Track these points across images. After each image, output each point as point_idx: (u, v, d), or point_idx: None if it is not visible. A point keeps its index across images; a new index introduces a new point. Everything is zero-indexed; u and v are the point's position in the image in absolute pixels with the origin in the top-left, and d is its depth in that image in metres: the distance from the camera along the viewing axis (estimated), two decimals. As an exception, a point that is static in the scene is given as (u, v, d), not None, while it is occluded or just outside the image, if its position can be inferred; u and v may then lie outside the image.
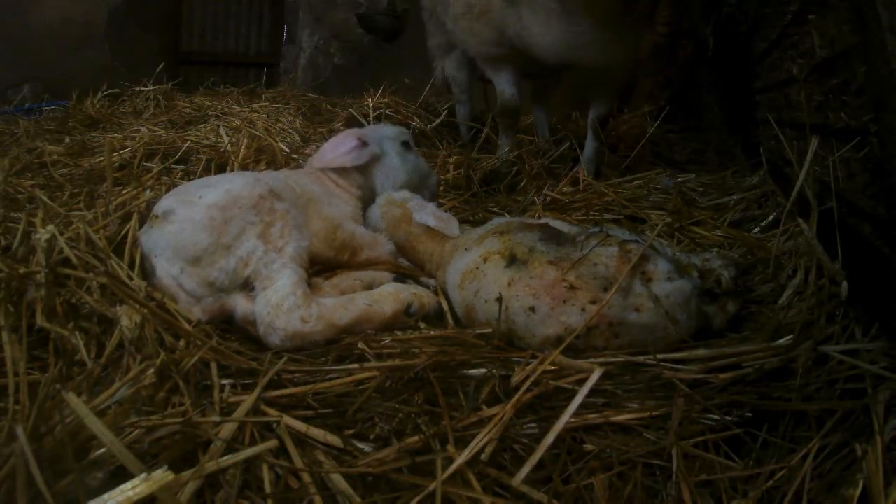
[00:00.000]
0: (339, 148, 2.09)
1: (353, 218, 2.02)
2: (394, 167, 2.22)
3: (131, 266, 1.71)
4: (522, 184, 2.91)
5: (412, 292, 1.77)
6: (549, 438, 1.14)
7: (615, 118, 4.68)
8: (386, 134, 2.26)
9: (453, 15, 3.18)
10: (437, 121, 4.06)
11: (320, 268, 1.92)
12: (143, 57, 5.96)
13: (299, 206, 1.85)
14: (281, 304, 1.57)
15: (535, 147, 3.54)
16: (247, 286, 1.65)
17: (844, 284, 1.61)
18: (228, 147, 2.87)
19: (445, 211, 2.12)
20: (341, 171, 2.12)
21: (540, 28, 2.66)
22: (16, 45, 5.70)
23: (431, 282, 1.97)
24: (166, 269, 1.63)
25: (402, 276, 1.99)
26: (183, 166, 2.69)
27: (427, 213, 2.02)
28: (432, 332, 1.66)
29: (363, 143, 2.12)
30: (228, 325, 1.68)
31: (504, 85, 3.17)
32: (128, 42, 6.17)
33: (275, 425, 1.22)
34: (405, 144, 2.29)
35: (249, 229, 1.64)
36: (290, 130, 3.44)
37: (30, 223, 1.77)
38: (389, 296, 1.72)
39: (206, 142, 2.99)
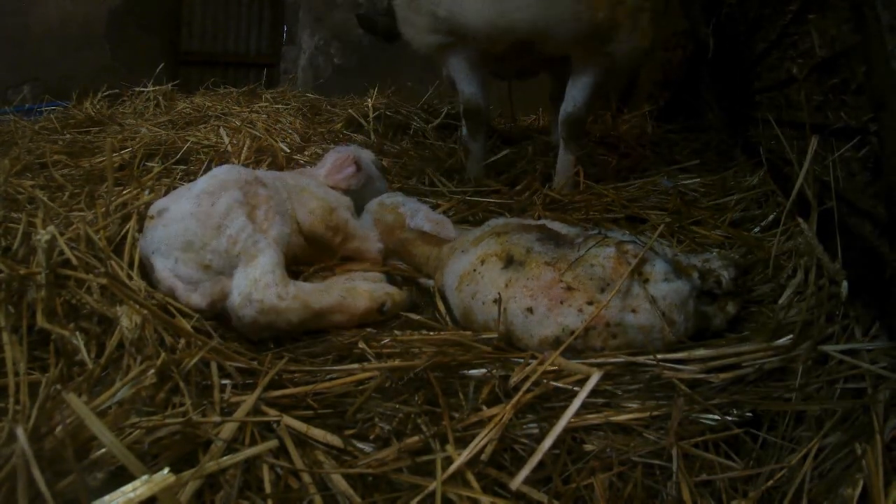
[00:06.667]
0: (342, 172, 2.22)
1: (349, 208, 2.05)
2: (376, 189, 2.36)
3: (131, 266, 1.71)
4: (524, 182, 2.90)
5: (386, 291, 1.82)
6: (549, 439, 1.14)
7: (612, 120, 4.66)
8: (370, 157, 2.41)
9: (396, 7, 2.89)
10: (437, 121, 4.07)
11: (318, 266, 1.93)
12: (143, 57, 5.96)
13: (293, 194, 1.91)
14: (260, 279, 1.61)
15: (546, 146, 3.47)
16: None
17: (844, 284, 1.61)
18: (229, 147, 2.87)
19: (441, 213, 2.12)
20: None
21: None
22: (16, 45, 5.70)
23: (430, 282, 1.97)
24: (162, 263, 1.66)
25: (393, 277, 2.01)
26: (183, 167, 2.69)
27: (421, 218, 2.02)
28: (432, 333, 1.66)
29: (359, 168, 2.24)
30: (228, 326, 1.68)
31: (462, 83, 2.83)
32: (128, 42, 6.17)
33: (275, 425, 1.23)
34: (378, 167, 2.46)
35: (237, 208, 1.69)
36: (290, 131, 3.44)
37: (30, 224, 1.77)
38: (365, 292, 1.77)
39: (206, 142, 2.99)
